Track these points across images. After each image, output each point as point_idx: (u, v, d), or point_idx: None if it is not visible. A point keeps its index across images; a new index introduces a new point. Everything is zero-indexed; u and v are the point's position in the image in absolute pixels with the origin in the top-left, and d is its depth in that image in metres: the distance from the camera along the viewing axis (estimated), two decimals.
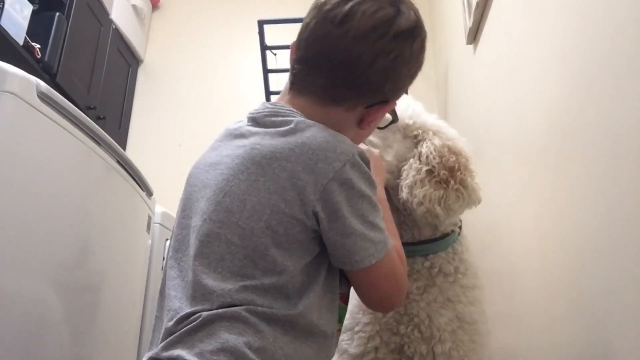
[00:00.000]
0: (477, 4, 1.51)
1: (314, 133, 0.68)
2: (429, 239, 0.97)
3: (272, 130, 0.71)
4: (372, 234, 0.67)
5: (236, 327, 0.60)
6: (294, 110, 0.73)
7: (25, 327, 0.99)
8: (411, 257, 0.95)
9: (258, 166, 0.67)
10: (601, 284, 0.79)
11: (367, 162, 0.70)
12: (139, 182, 1.59)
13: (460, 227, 1.02)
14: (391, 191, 0.97)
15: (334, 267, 0.71)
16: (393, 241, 0.74)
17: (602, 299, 0.79)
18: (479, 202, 0.95)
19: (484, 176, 1.45)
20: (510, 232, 1.29)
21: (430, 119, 1.00)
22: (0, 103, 0.97)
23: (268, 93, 2.49)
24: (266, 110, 0.75)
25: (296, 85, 0.76)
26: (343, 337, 0.98)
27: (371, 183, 0.69)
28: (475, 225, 1.40)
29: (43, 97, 1.08)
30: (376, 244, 0.68)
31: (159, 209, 1.80)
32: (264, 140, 0.69)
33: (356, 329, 0.96)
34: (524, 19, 1.17)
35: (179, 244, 0.72)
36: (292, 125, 0.69)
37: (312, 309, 0.66)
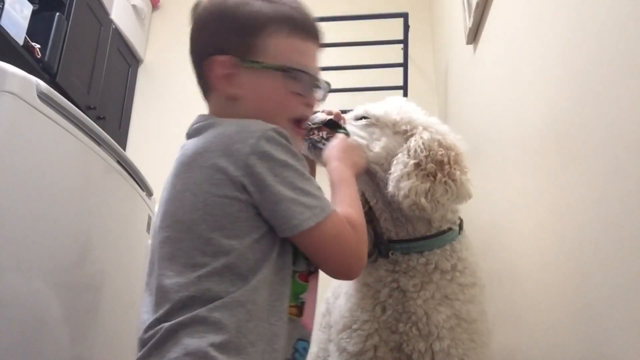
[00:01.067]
0: (477, 4, 1.51)
1: (228, 123, 0.75)
2: (423, 236, 0.97)
3: (196, 136, 0.78)
4: (304, 199, 0.70)
5: (197, 330, 0.63)
6: (211, 115, 0.81)
7: (25, 327, 0.99)
8: (407, 253, 0.96)
9: (186, 166, 0.73)
10: (601, 283, 0.80)
11: (284, 137, 0.73)
12: (139, 182, 1.59)
13: (460, 226, 1.02)
14: (381, 184, 0.98)
15: (286, 244, 0.73)
16: (346, 210, 0.76)
17: (602, 299, 0.79)
18: (469, 196, 0.95)
19: (484, 176, 1.46)
20: (510, 232, 1.29)
21: (420, 115, 1.01)
22: (0, 103, 0.98)
23: None
24: (194, 123, 0.82)
25: (203, 94, 0.84)
26: (342, 335, 0.98)
27: (294, 155, 0.72)
28: (476, 225, 1.40)
29: (43, 97, 1.08)
30: (312, 208, 0.70)
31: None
32: (189, 145, 0.76)
33: (354, 326, 0.96)
34: (524, 19, 1.17)
35: (148, 270, 0.77)
36: (208, 126, 0.77)
37: (266, 284, 0.69)
